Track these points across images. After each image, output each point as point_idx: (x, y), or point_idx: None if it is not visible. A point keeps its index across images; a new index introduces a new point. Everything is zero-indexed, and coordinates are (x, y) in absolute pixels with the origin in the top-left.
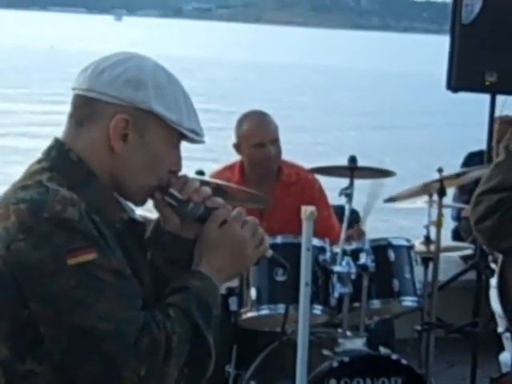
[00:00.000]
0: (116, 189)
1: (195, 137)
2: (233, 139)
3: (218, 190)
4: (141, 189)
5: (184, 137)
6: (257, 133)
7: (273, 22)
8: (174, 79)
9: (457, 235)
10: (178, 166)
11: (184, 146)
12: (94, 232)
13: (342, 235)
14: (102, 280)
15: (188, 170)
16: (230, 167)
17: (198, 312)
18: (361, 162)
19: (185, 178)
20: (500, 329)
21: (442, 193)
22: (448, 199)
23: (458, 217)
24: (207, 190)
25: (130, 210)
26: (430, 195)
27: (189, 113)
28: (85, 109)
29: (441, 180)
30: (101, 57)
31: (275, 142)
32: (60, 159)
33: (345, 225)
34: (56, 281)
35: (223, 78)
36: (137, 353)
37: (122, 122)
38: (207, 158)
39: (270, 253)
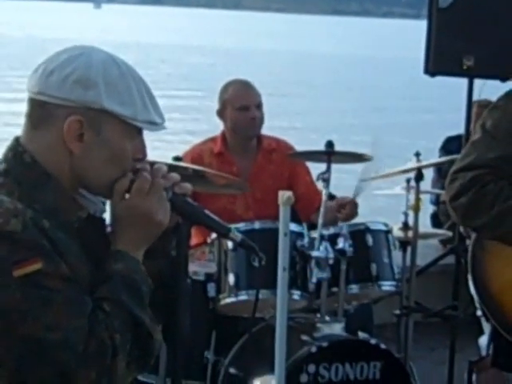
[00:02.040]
0: (82, 187)
1: (153, 127)
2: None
3: (195, 176)
4: (107, 183)
5: None
6: (242, 96)
7: (251, 7)
8: (126, 71)
9: (436, 220)
10: (143, 153)
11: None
12: (40, 240)
13: (320, 220)
14: (50, 288)
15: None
16: (213, 139)
17: (129, 297)
18: (341, 146)
19: (152, 163)
20: (479, 312)
21: (419, 178)
22: (426, 183)
23: (436, 201)
24: (175, 175)
25: (97, 204)
26: (408, 181)
27: (144, 103)
28: (38, 112)
29: (418, 167)
30: (52, 54)
31: (259, 106)
32: (14, 161)
33: (322, 209)
34: (3, 294)
35: (202, 64)
36: (86, 359)
37: (75, 123)
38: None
39: (239, 237)
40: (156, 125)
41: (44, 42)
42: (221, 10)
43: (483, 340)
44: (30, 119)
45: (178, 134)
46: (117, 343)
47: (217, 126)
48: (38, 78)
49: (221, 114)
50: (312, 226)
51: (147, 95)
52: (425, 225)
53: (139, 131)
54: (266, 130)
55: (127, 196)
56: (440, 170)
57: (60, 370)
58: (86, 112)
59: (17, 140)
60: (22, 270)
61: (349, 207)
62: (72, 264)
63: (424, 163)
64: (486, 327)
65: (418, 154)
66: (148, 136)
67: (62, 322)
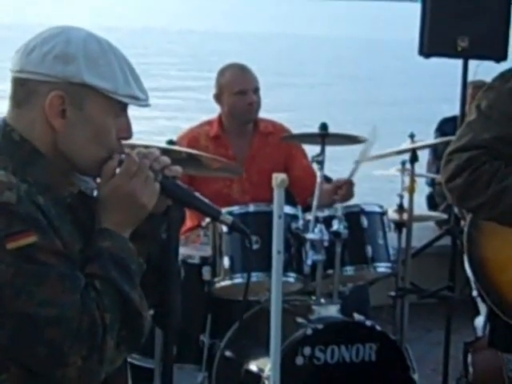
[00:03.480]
0: (67, 164)
1: (135, 102)
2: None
3: (190, 160)
4: (92, 162)
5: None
6: (239, 80)
7: None
8: (107, 48)
9: (431, 201)
10: (128, 133)
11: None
12: (35, 214)
13: (315, 202)
14: (44, 263)
15: None
16: (209, 122)
17: (119, 275)
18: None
19: (146, 148)
20: (475, 293)
21: (414, 159)
22: (422, 164)
23: (432, 183)
24: (166, 158)
25: (88, 182)
26: (403, 163)
27: (126, 78)
28: (21, 90)
29: (413, 148)
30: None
31: (256, 91)
32: (4, 141)
33: (317, 192)
34: None
35: (203, 48)
36: (80, 336)
37: (57, 98)
38: None
39: (230, 219)
40: (139, 100)
41: (25, 28)
42: None
43: (479, 321)
44: (14, 98)
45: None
46: (106, 322)
47: None
48: (20, 56)
49: (218, 98)
50: (307, 209)
51: (129, 71)
52: (420, 206)
53: (123, 108)
54: (265, 114)
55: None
56: (436, 151)
57: (53, 347)
58: (67, 87)
59: (3, 121)
60: (15, 243)
61: (345, 187)
62: (65, 240)
63: (418, 144)
64: (482, 308)
65: (412, 136)
66: None
67: (55, 297)
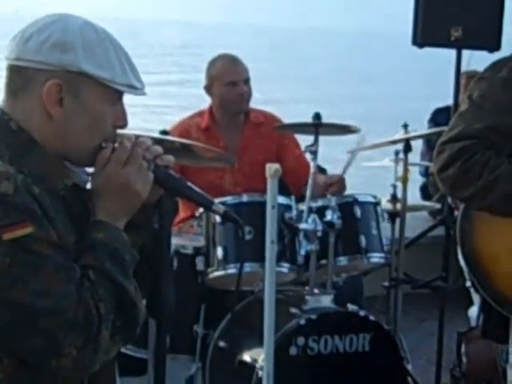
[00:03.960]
0: (62, 154)
1: (132, 91)
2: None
3: (183, 150)
4: (87, 150)
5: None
6: (230, 71)
7: None
8: (104, 36)
9: (425, 191)
10: (123, 121)
11: None
12: (31, 205)
13: (308, 192)
14: (40, 253)
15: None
16: (200, 113)
17: (113, 266)
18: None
19: (137, 137)
20: (468, 283)
21: (407, 149)
22: (415, 155)
23: (425, 173)
24: (158, 148)
25: (81, 175)
26: (397, 153)
27: (123, 67)
28: (17, 78)
29: (407, 138)
30: (30, 22)
31: (247, 81)
32: (1, 129)
33: (310, 181)
34: None
35: (193, 39)
36: (75, 327)
37: (54, 87)
38: None
39: (222, 209)
40: (135, 89)
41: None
42: None
43: (472, 311)
44: (10, 86)
45: None
46: (101, 312)
47: None
48: (16, 44)
49: (208, 89)
50: (301, 199)
51: (126, 60)
52: (414, 197)
53: (119, 97)
54: (260, 104)
55: None
56: (429, 142)
57: (49, 338)
58: (64, 75)
59: (0, 109)
60: (11, 234)
61: (336, 185)
62: (59, 231)
63: (412, 134)
64: (476, 298)
65: (405, 126)
66: None
67: (51, 288)
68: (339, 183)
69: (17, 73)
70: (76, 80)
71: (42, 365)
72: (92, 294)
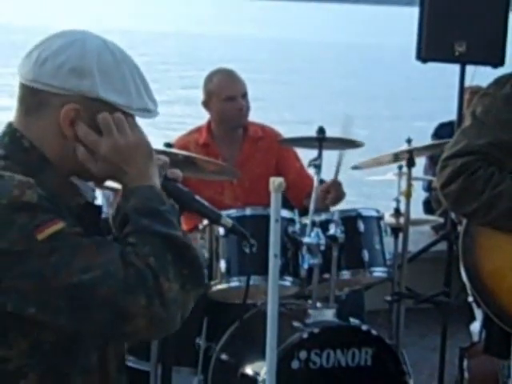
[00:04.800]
0: (75, 172)
1: (146, 114)
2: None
3: (185, 162)
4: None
5: None
6: (228, 86)
7: None
8: (121, 58)
9: (428, 206)
10: None
11: None
12: (55, 209)
13: (311, 206)
14: (74, 240)
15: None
16: (198, 129)
17: (150, 221)
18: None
19: None
20: (470, 298)
21: (410, 163)
22: (418, 170)
23: (429, 188)
24: (164, 157)
25: (88, 192)
26: (400, 167)
27: (138, 91)
28: (32, 99)
29: (410, 150)
30: (44, 39)
31: (245, 96)
32: (13, 146)
33: (314, 195)
34: (31, 258)
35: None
36: (130, 287)
37: (71, 111)
38: None
39: (230, 223)
40: (149, 112)
41: (25, 31)
42: None
43: (475, 326)
44: (23, 105)
45: None
46: (153, 265)
47: None
48: (32, 65)
49: (206, 104)
50: (304, 212)
51: (141, 82)
52: (417, 211)
53: (133, 118)
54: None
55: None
56: (432, 156)
57: (109, 304)
58: (81, 100)
59: (11, 125)
60: (44, 233)
61: (333, 189)
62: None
63: (414, 146)
64: (478, 313)
65: (409, 140)
66: None
67: (94, 261)
68: (335, 188)
69: (31, 94)
70: (93, 105)
71: (119, 335)
72: (137, 253)
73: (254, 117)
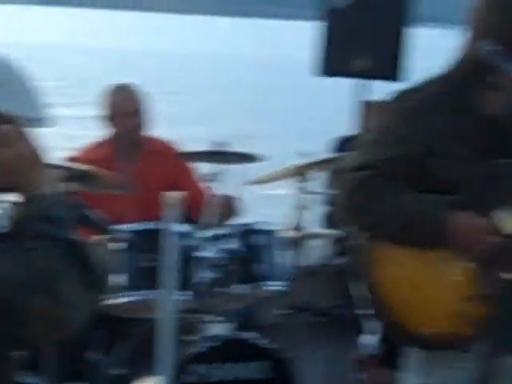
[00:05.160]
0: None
1: (37, 124)
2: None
3: (87, 176)
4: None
5: None
6: (121, 103)
7: (150, 9)
8: (15, 69)
9: (329, 219)
10: None
11: None
12: None
13: (207, 220)
14: None
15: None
16: (101, 143)
17: (50, 226)
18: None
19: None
20: (360, 311)
21: (304, 178)
22: (317, 183)
23: (330, 201)
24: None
25: None
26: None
27: (31, 101)
28: None
29: (306, 165)
30: None
31: (138, 112)
32: None
33: (209, 210)
34: None
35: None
36: (28, 289)
37: None
38: None
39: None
40: (41, 121)
41: None
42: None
43: (366, 338)
44: None
45: None
46: (53, 269)
47: None
48: None
49: (105, 119)
50: (202, 226)
51: (33, 92)
52: (315, 225)
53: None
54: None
55: None
56: (336, 170)
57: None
58: None
59: None
60: None
61: (225, 204)
62: None
63: (309, 161)
64: (368, 326)
65: (305, 154)
66: None
67: None
68: (227, 202)
69: None
70: None
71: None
72: (38, 257)
73: (153, 131)
